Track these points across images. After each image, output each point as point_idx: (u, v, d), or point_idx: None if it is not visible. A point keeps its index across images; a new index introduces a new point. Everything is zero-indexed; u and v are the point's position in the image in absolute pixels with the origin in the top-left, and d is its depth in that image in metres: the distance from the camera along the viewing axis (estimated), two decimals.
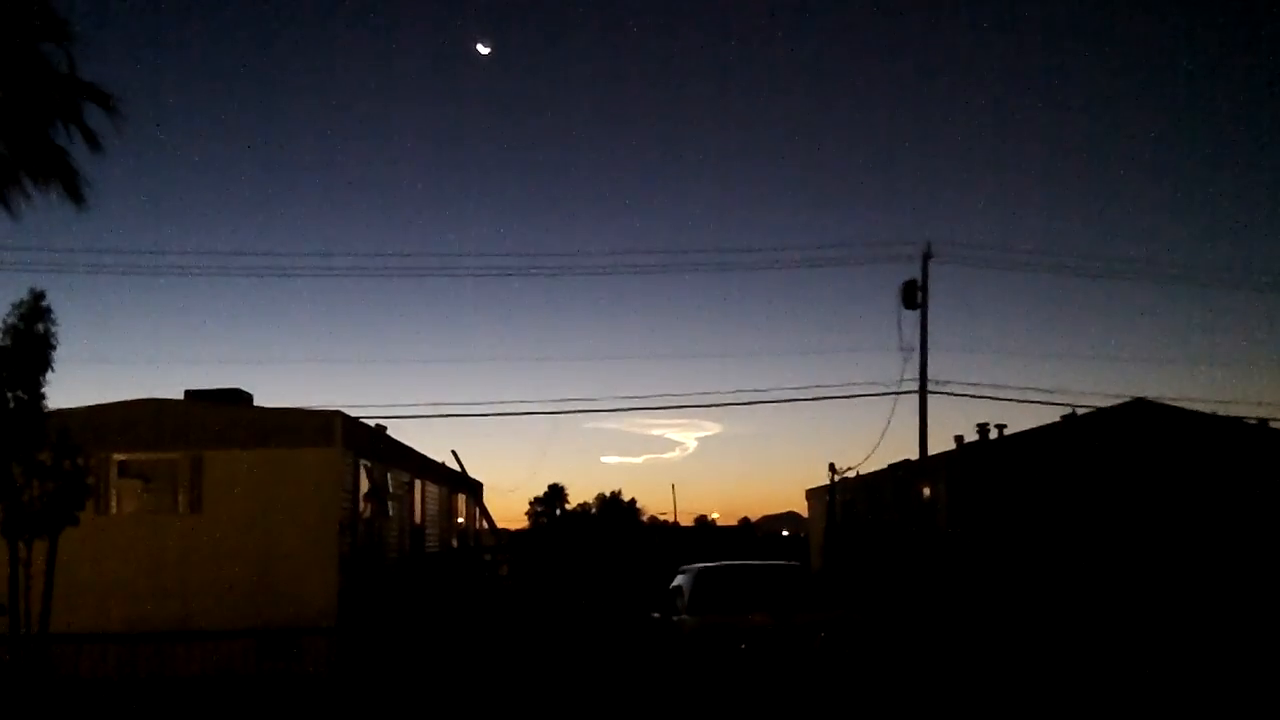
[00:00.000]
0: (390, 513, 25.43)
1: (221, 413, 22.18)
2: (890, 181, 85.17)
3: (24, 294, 15.35)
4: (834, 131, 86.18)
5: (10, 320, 15.30)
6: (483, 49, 57.36)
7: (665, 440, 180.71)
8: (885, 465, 34.98)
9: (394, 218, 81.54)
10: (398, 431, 27.30)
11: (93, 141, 14.91)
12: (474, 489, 36.52)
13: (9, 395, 15.17)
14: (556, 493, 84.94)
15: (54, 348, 15.46)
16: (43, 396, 15.41)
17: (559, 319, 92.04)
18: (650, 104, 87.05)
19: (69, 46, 14.55)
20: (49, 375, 15.46)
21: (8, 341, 15.19)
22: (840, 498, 38.51)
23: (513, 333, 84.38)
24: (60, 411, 15.96)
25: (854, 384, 49.88)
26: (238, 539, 20.95)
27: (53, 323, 15.46)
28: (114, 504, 21.33)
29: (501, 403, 66.76)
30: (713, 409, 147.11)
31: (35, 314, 15.38)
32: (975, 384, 40.77)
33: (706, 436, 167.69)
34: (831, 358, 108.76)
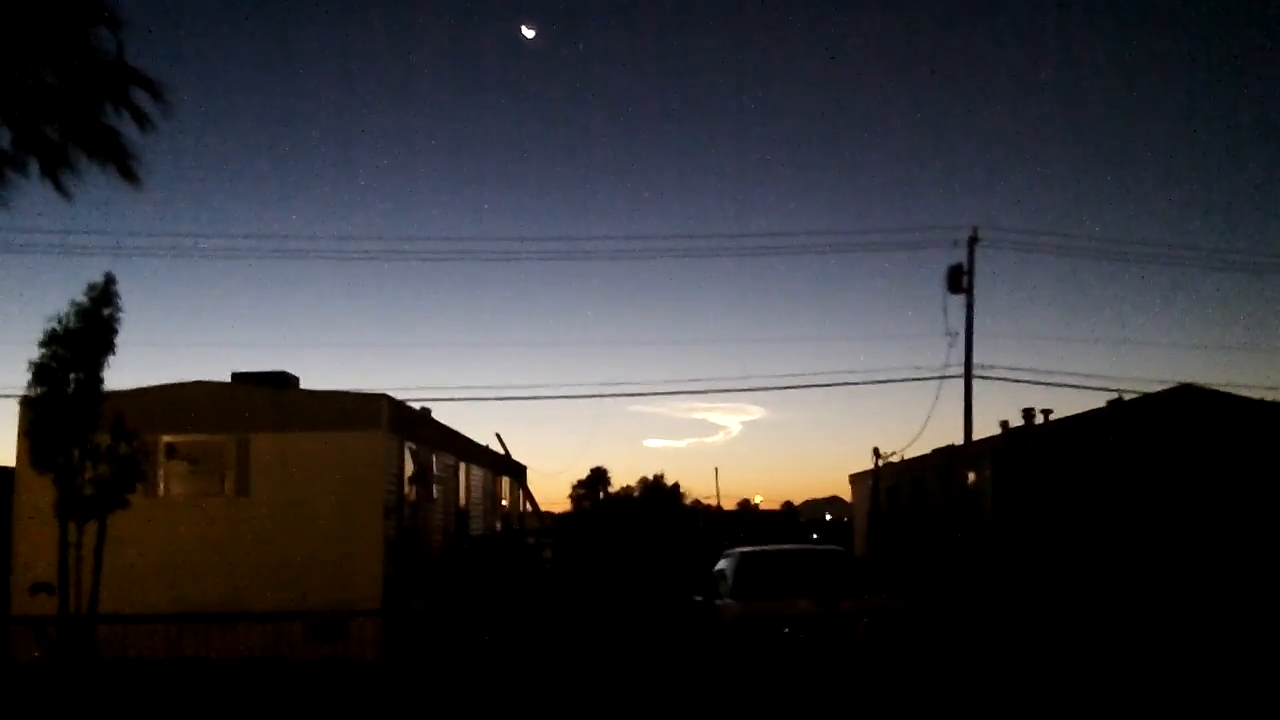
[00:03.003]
0: (435, 496, 25.50)
1: (268, 396, 22.29)
2: (938, 166, 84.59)
3: (73, 278, 15.59)
4: (882, 115, 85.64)
5: (80, 302, 15.48)
6: (528, 32, 57.11)
7: (708, 424, 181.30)
8: (930, 450, 34.68)
9: (441, 202, 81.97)
10: (442, 415, 27.49)
11: (142, 122, 14.99)
12: (518, 472, 36.54)
13: (71, 376, 15.32)
14: (599, 476, 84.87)
15: (117, 331, 15.68)
16: (101, 380, 15.59)
17: (604, 303, 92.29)
18: (696, 87, 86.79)
19: (118, 32, 14.63)
20: (109, 359, 15.66)
21: (79, 324, 15.37)
22: (884, 483, 38.23)
23: (557, 316, 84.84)
24: (110, 394, 16.07)
25: (899, 368, 49.60)
26: (283, 522, 21.04)
27: (118, 307, 15.70)
28: (162, 486, 21.50)
29: (546, 386, 66.98)
30: (757, 393, 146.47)
31: (105, 298, 15.59)
32: (1020, 369, 40.53)
33: (750, 420, 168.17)
34: (877, 342, 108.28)
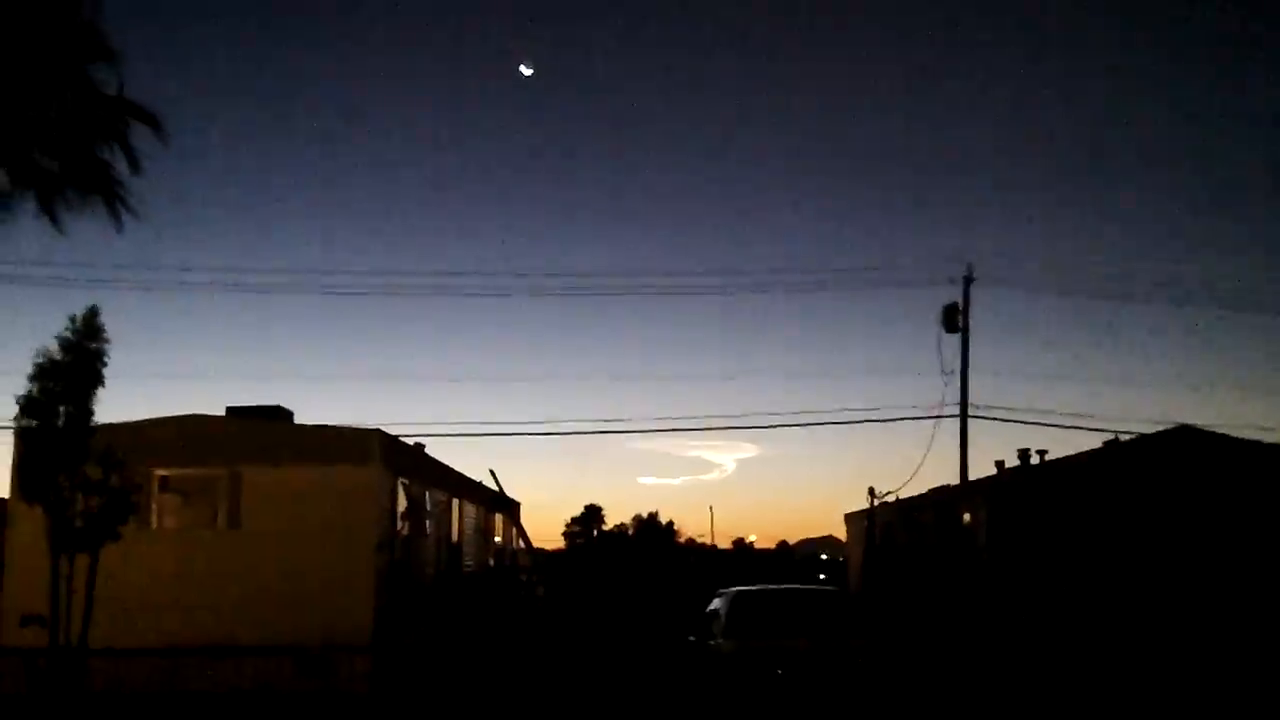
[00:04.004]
0: (427, 531, 25.42)
1: (262, 429, 22.36)
2: (934, 202, 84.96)
3: (70, 309, 15.62)
4: (877, 151, 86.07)
5: (66, 335, 15.52)
6: (526, 70, 57.39)
7: (703, 461, 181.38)
8: (925, 490, 34.71)
9: (438, 235, 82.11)
10: (436, 450, 27.53)
11: (133, 161, 15.10)
12: (511, 508, 36.38)
13: (60, 409, 15.36)
14: (593, 513, 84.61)
15: (105, 364, 15.71)
16: (91, 412, 15.60)
17: (600, 338, 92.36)
18: (692, 119, 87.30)
19: (118, 66, 14.75)
20: (99, 391, 15.68)
21: (66, 357, 15.42)
22: (880, 522, 38.24)
23: (552, 352, 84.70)
24: (104, 427, 16.11)
25: (895, 407, 49.55)
26: (276, 555, 20.92)
27: (104, 340, 15.72)
28: (155, 519, 21.50)
29: (540, 422, 66.89)
30: (752, 431, 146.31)
31: (90, 331, 15.62)
32: (1016, 409, 40.40)
33: (745, 458, 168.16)
34: (872, 380, 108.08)
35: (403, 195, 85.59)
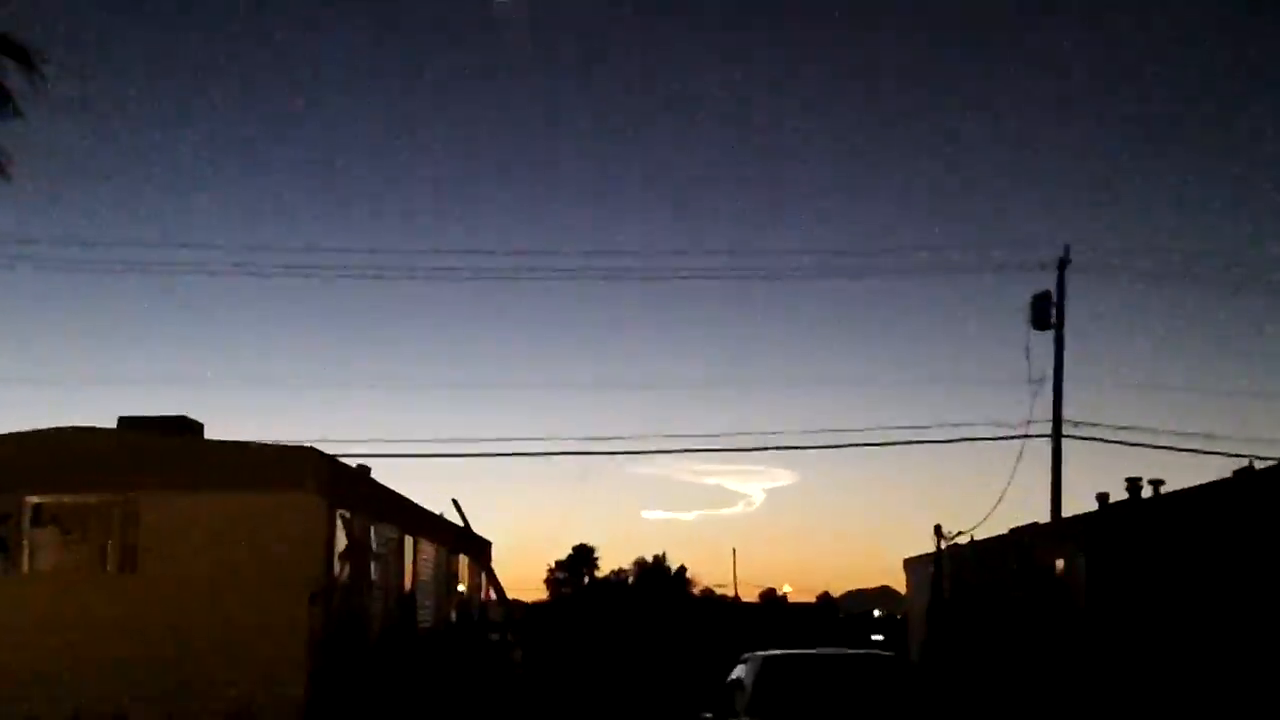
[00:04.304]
0: (374, 577, 25.33)
1: (163, 446, 22.22)
2: (1017, 172, 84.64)
3: None
4: (942, 117, 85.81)
5: None
6: None
7: (724, 492, 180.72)
8: (1007, 529, 34.45)
9: (387, 209, 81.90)
10: (386, 475, 27.55)
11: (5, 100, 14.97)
12: (480, 549, 36.50)
13: None
14: (584, 556, 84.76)
15: None
16: None
17: (592, 338, 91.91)
18: (721, 98, 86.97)
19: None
20: None
21: None
22: (948, 570, 38.04)
23: (532, 355, 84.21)
24: None
25: (967, 424, 49.06)
26: (180, 607, 20.73)
27: None
28: (26, 560, 21.39)
29: (517, 440, 66.38)
30: (785, 453, 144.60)
31: None
32: (1123, 427, 40.18)
33: (777, 488, 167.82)
34: (938, 391, 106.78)
35: (342, 162, 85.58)
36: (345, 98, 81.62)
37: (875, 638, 54.36)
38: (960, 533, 36.46)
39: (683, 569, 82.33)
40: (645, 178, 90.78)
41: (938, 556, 38.09)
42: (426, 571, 30.32)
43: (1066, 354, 28.35)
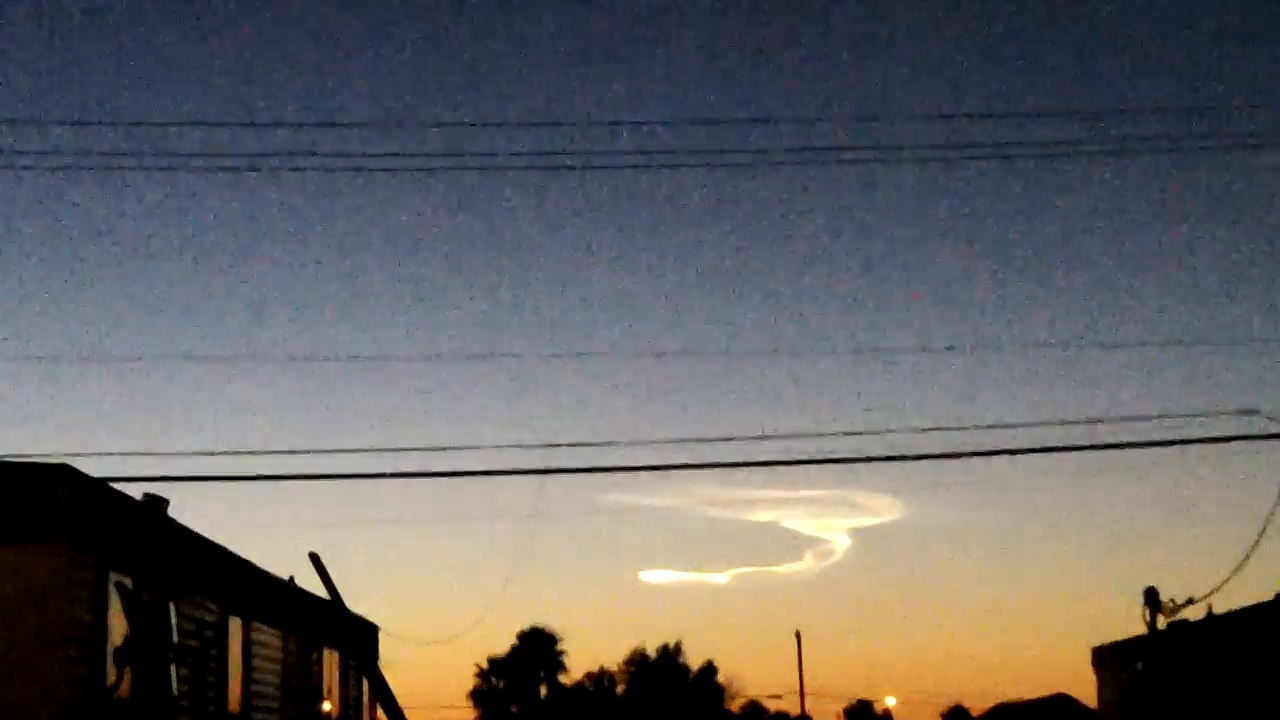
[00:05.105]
0: (175, 687, 19.43)
1: None
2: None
3: None
4: None
5: None
6: None
7: (776, 536, 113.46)
8: (1259, 601, 28.35)
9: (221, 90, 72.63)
10: (192, 512, 22.25)
11: None
12: (358, 638, 29.61)
13: None
14: (538, 648, 65.18)
15: None
16: None
17: (554, 292, 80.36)
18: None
19: None
20: None
21: None
22: (1168, 660, 31.10)
23: (451, 320, 71.57)
24: None
25: (1183, 422, 28.80)
26: None
27: None
28: None
29: (422, 450, 53.34)
30: (879, 466, 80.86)
31: None
32: None
33: (867, 528, 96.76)
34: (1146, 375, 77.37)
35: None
36: None
37: None
38: (1191, 601, 29.02)
39: (710, 667, 66.10)
40: None
41: (1151, 640, 30.85)
42: (267, 676, 24.31)
43: None
